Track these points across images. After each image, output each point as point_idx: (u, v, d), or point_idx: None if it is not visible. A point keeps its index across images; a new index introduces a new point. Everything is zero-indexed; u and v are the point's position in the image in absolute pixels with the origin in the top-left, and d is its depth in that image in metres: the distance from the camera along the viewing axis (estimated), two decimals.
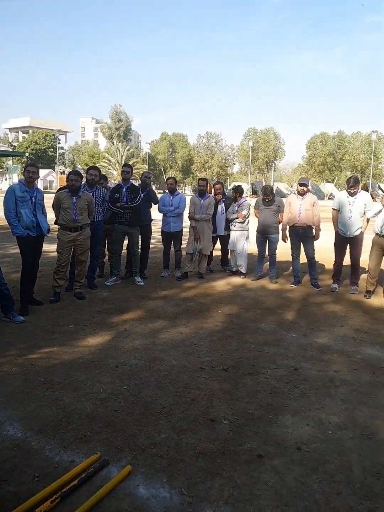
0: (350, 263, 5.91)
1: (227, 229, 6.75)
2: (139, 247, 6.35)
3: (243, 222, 6.53)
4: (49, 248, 7.40)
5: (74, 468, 2.08)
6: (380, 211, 5.44)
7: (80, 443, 2.33)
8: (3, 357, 3.47)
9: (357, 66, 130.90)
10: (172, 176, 8.50)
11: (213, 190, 7.07)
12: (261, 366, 3.42)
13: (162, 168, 69.90)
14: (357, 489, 2.02)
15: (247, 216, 6.56)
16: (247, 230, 6.62)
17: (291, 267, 6.52)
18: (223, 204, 6.81)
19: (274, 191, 6.75)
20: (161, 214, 6.67)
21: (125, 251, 6.35)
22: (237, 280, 6.54)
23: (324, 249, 8.23)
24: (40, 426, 2.48)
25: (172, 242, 6.73)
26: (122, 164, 15.38)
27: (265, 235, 6.43)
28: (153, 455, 2.24)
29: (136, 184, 6.58)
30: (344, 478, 2.10)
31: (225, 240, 6.87)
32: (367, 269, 5.74)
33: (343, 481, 2.07)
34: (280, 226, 6.33)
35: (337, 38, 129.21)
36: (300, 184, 5.97)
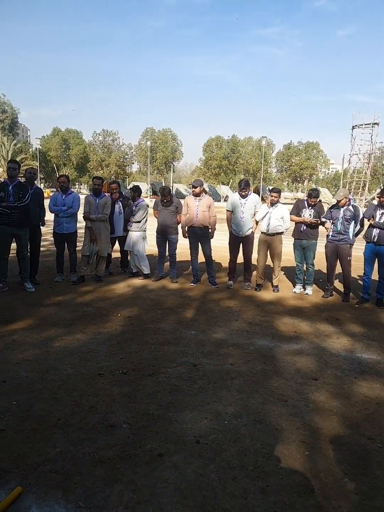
0: (243, 261, 6.33)
1: (125, 230, 6.68)
2: (28, 250, 5.90)
3: (139, 222, 6.52)
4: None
5: None
6: (266, 213, 5.95)
7: None
8: None
9: (248, 75, 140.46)
10: (65, 173, 8.10)
11: (109, 190, 6.93)
12: (161, 365, 3.45)
13: (54, 165, 66.17)
14: (250, 471, 2.15)
15: (144, 216, 6.56)
16: (145, 231, 6.63)
17: (190, 267, 6.72)
18: (120, 204, 6.72)
19: (172, 192, 6.87)
20: (53, 214, 6.30)
21: (14, 255, 5.85)
22: (137, 281, 6.51)
23: (220, 248, 8.68)
24: None
25: (66, 244, 6.41)
26: (8, 160, 14.12)
27: (164, 236, 6.52)
28: (46, 472, 2.09)
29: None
30: (239, 463, 2.22)
31: (124, 241, 6.78)
32: (257, 265, 6.22)
33: (237, 466, 2.19)
34: (179, 226, 6.48)
35: (230, 46, 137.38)
36: (194, 186, 6.19)
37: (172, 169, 66.92)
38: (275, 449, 2.34)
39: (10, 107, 64.63)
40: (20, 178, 5.61)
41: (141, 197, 6.78)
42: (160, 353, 3.71)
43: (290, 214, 6.08)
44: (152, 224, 6.93)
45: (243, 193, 6.06)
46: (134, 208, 6.54)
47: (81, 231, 6.55)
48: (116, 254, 7.28)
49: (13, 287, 5.77)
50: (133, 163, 74.28)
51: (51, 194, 6.00)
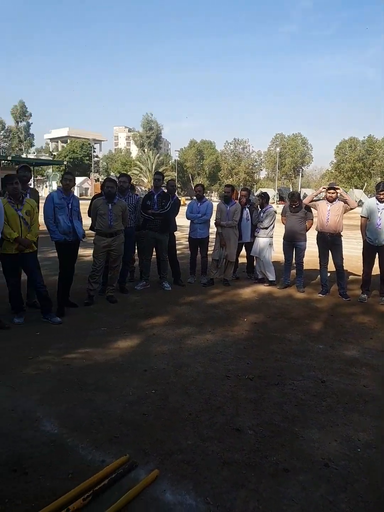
0: (379, 273, 5.80)
1: (253, 236, 6.78)
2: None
3: (267, 228, 6.53)
4: (84, 252, 7.65)
5: (105, 468, 2.18)
6: None
7: (111, 444, 2.44)
8: (42, 356, 3.66)
9: None
10: (200, 183, 8.62)
11: (239, 196, 7.12)
12: (287, 376, 3.43)
13: (190, 175, 70.38)
14: None
15: (271, 223, 6.55)
16: (271, 237, 6.61)
17: (319, 276, 6.46)
18: (248, 210, 6.84)
19: (301, 198, 6.71)
20: (188, 221, 6.78)
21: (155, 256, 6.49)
22: (263, 288, 6.54)
23: (353, 257, 8.10)
24: (74, 425, 2.61)
25: (199, 248, 6.82)
26: (153, 171, 15.57)
27: (292, 242, 6.40)
28: (179, 461, 2.31)
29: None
30: (373, 498, 2.08)
31: (251, 247, 6.89)
32: None
33: (372, 502, 2.06)
34: (308, 233, 6.29)
35: (368, 40, 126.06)
36: (330, 189, 5.91)
37: (301, 174, 64.59)
38: None
39: (156, 124, 71.16)
40: (163, 189, 6.20)
41: (268, 203, 6.80)
42: (285, 364, 3.70)
43: None
44: (278, 231, 6.88)
45: (382, 197, 5.55)
46: (261, 214, 6.59)
47: (212, 237, 6.90)
48: (242, 260, 7.43)
49: (153, 286, 6.39)
50: (261, 170, 74.16)
51: (187, 202, 6.52)
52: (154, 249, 6.30)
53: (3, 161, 44.70)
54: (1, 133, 63.84)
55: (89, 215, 5.50)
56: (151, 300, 5.62)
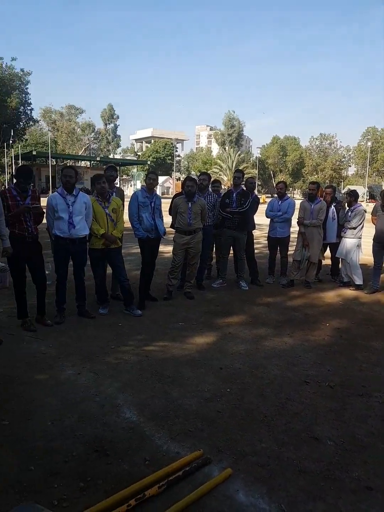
0: None
1: (339, 236, 6.39)
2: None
3: (355, 228, 6.11)
4: (165, 249, 7.92)
5: (179, 460, 2.23)
6: None
7: (186, 437, 2.48)
8: (123, 346, 3.87)
9: None
10: (282, 180, 8.37)
11: (324, 194, 6.76)
12: (373, 388, 3.18)
13: (271, 172, 68.89)
14: None
15: (360, 223, 6.12)
16: (360, 238, 6.17)
17: None
18: (334, 209, 6.46)
19: None
20: (268, 219, 6.63)
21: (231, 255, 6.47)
22: (348, 292, 6.15)
23: None
24: (151, 415, 2.71)
25: (279, 248, 6.63)
26: (233, 169, 15.55)
27: (383, 244, 5.92)
28: (253, 463, 2.27)
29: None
30: None
31: (336, 248, 6.51)
32: None
33: None
34: None
35: None
36: None
37: None
38: None
39: (238, 122, 70.92)
40: (242, 186, 6.14)
41: (357, 201, 6.36)
42: (371, 374, 3.43)
43: None
44: (368, 232, 6.39)
45: None
46: (349, 213, 6.19)
47: (293, 236, 6.67)
48: (326, 261, 7.06)
49: (230, 284, 6.38)
50: (349, 166, 69.84)
51: (267, 200, 6.37)
52: (231, 248, 6.28)
53: (92, 162, 48.34)
54: (92, 135, 68.70)
55: (170, 214, 5.66)
56: (228, 299, 5.62)
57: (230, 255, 6.34)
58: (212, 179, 6.48)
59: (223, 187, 7.15)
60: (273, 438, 2.51)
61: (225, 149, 64.16)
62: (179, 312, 4.94)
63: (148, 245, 5.13)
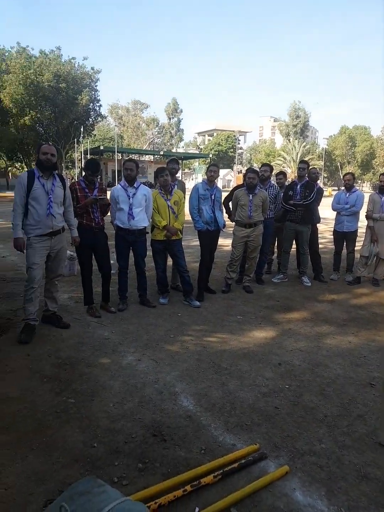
0: None
1: None
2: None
3: None
4: (224, 242, 7.91)
5: (235, 452, 2.23)
6: None
7: (241, 430, 2.47)
8: (182, 335, 3.94)
9: None
10: (350, 171, 7.90)
11: None
12: None
13: (339, 164, 65.43)
14: None
15: None
16: None
17: None
18: None
19: None
20: (334, 212, 6.32)
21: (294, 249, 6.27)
22: None
23: None
24: (208, 405, 2.73)
25: (345, 243, 6.30)
26: (297, 161, 15.03)
27: None
28: (311, 463, 2.20)
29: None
30: None
31: None
32: None
33: None
34: None
35: None
36: None
37: None
38: None
39: (303, 112, 68.28)
40: (307, 178, 5.91)
41: None
42: None
43: None
44: None
45: None
46: None
47: (361, 231, 6.30)
48: None
49: (292, 280, 6.21)
50: None
51: (333, 193, 6.05)
52: (294, 242, 6.09)
53: (155, 156, 49.44)
54: (156, 130, 70.19)
55: (224, 204, 5.62)
56: (289, 294, 5.47)
57: (292, 249, 6.16)
58: (276, 171, 6.32)
59: (287, 179, 6.90)
60: (334, 439, 2.41)
61: (289, 140, 62.15)
62: (237, 306, 4.91)
63: (208, 237, 5.15)
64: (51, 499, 1.84)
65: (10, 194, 15.24)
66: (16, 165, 45.23)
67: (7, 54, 33.24)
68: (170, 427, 2.48)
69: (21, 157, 38.13)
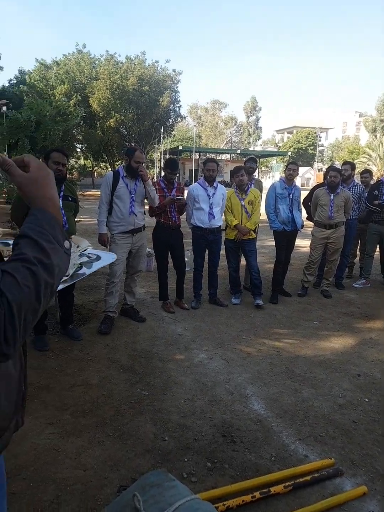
0: None
1: None
2: None
3: None
4: (301, 243, 7.63)
5: (308, 464, 2.13)
6: None
7: (315, 441, 2.36)
8: (254, 337, 3.88)
9: None
10: None
11: None
12: None
13: None
14: None
15: None
16: None
17: None
18: None
19: None
20: None
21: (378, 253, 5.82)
22: None
23: None
24: (279, 411, 2.66)
25: None
26: None
27: None
28: None
29: None
30: None
31: None
32: None
33: None
34: None
35: None
36: None
37: None
38: None
39: None
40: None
41: None
42: None
43: None
44: None
45: None
46: None
47: None
48: None
49: (375, 285, 5.78)
50: None
51: None
52: (378, 245, 5.65)
53: (232, 154, 49.26)
54: (233, 129, 69.88)
55: (304, 206, 5.40)
56: (371, 301, 5.09)
57: (376, 253, 5.73)
58: (360, 169, 5.91)
59: (373, 178, 6.42)
60: None
61: (375, 136, 57.79)
62: (314, 310, 4.70)
63: (284, 238, 5.00)
64: (124, 486, 1.93)
65: (95, 192, 16.35)
66: (101, 165, 48.18)
67: (97, 61, 35.57)
68: (240, 429, 2.45)
69: (106, 158, 40.56)
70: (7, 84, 32.90)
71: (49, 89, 32.02)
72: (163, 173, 4.48)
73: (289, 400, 2.79)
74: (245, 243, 4.71)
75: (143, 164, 3.85)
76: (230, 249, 4.82)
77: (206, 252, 4.76)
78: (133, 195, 3.85)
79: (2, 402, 0.87)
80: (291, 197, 4.90)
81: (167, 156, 36.56)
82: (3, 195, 7.21)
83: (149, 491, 1.22)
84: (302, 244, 7.75)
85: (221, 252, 4.80)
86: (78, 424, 2.43)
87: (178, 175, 4.77)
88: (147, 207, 4.21)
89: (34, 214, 0.78)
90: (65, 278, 1.09)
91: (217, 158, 49.02)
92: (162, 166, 5.96)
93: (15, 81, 33.33)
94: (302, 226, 5.05)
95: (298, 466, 2.11)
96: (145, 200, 3.99)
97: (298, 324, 4.26)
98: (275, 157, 53.97)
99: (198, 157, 41.36)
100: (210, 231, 4.55)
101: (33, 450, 2.18)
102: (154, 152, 41.23)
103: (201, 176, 4.88)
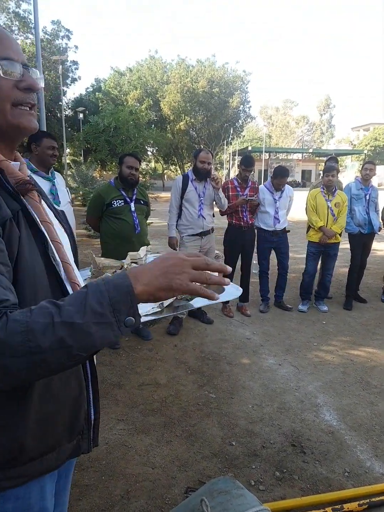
0: None
1: None
2: None
3: None
4: (378, 246, 7.13)
5: None
6: None
7: None
8: (325, 345, 3.72)
9: None
10: None
11: None
12: None
13: None
14: None
15: None
16: None
17: None
18: None
19: None
20: None
21: None
22: None
23: None
24: (353, 424, 2.51)
25: None
26: None
27: None
28: None
29: None
30: None
31: None
32: None
33: None
34: None
35: None
36: None
37: None
38: None
39: None
40: None
41: None
42: None
43: None
44: None
45: None
46: None
47: None
48: None
49: None
50: None
51: None
52: None
53: (303, 154, 47.58)
54: (305, 127, 67.45)
55: None
56: None
57: None
58: None
59: None
60: None
61: None
62: None
63: (360, 240, 4.71)
64: (192, 488, 1.96)
65: (165, 195, 16.83)
66: (171, 168, 49.46)
67: (168, 66, 36.61)
68: (310, 440, 2.37)
69: (175, 160, 41.55)
70: (84, 92, 35.28)
71: (122, 95, 33.64)
72: (237, 171, 4.47)
73: (363, 413, 2.63)
74: (329, 246, 4.51)
75: (211, 164, 3.87)
76: (310, 254, 4.62)
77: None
78: (202, 198, 3.89)
79: (49, 422, 0.83)
80: (367, 198, 4.61)
81: (237, 157, 36.41)
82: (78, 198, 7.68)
83: (217, 497, 1.22)
84: (379, 247, 7.24)
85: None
86: (147, 422, 2.52)
87: (252, 172, 4.71)
88: (216, 209, 4.22)
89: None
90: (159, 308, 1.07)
91: (288, 158, 47.68)
92: (238, 162, 5.96)
93: (91, 89, 35.59)
94: (380, 228, 4.72)
95: (375, 485, 1.98)
96: (214, 203, 4.02)
97: (374, 332, 4.00)
98: (350, 156, 51.09)
99: (268, 157, 40.64)
100: (275, 233, 4.45)
101: (105, 445, 2.30)
102: (223, 153, 41.29)
103: (268, 179, 4.75)
